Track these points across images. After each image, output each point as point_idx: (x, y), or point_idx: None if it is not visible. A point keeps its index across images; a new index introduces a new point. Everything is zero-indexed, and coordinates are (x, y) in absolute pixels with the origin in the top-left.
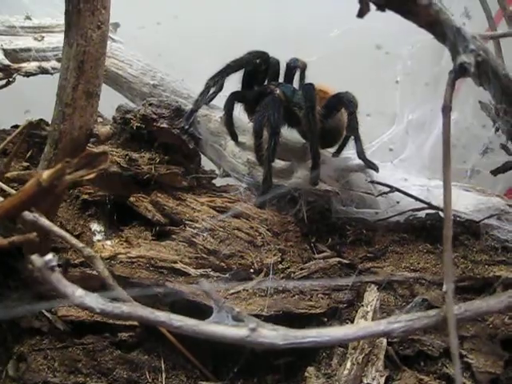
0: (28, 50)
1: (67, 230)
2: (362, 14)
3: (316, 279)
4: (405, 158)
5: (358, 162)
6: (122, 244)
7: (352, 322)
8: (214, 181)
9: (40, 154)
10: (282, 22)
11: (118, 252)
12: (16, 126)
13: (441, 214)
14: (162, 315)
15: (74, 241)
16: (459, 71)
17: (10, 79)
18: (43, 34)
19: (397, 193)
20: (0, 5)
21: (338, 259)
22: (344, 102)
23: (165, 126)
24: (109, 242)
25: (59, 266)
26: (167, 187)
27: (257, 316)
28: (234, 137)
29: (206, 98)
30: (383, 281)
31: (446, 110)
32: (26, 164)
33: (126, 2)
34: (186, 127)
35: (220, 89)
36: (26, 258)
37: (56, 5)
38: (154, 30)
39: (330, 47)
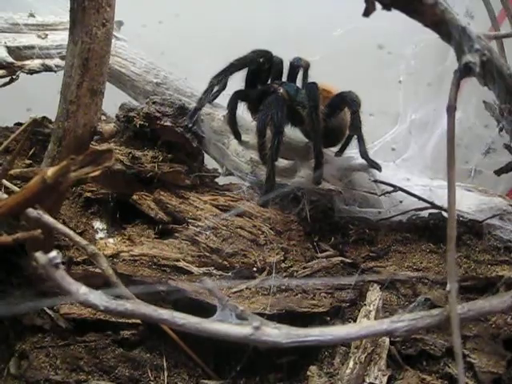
0: (31, 47)
1: (70, 228)
2: (367, 13)
3: (319, 278)
4: (407, 158)
5: (361, 161)
6: (124, 242)
7: (354, 321)
8: (216, 179)
9: (43, 152)
10: (285, 21)
11: (121, 250)
12: (19, 124)
13: (444, 213)
14: (165, 313)
15: (78, 238)
16: (464, 71)
17: (14, 76)
18: (47, 32)
19: (400, 192)
20: (4, 2)
21: (340, 258)
22: (347, 101)
23: (168, 124)
24: (111, 240)
25: (62, 263)
26: (170, 185)
27: (260, 315)
28: (238, 135)
29: (209, 96)
30: (386, 280)
31: (451, 109)
32: (28, 161)
33: (128, 0)
34: (190, 125)
35: (223, 87)
36: (29, 255)
37: (60, 2)
38: (156, 28)
39: (333, 47)
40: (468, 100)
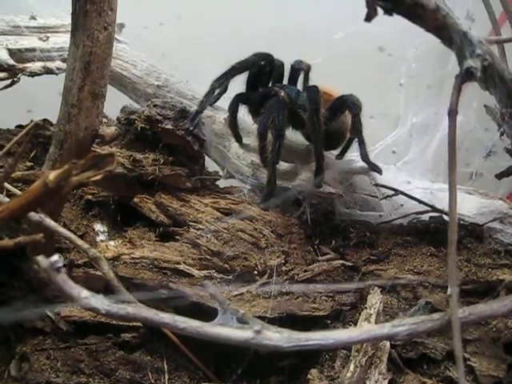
0: (33, 50)
1: (71, 231)
2: (369, 18)
3: (319, 281)
4: (408, 161)
5: (362, 164)
6: (125, 245)
7: (355, 324)
8: (217, 182)
9: (44, 154)
10: (286, 24)
11: (122, 253)
12: (20, 126)
13: (444, 217)
14: (166, 317)
15: (80, 242)
16: (466, 76)
17: (15, 79)
18: (48, 34)
19: (400, 196)
20: (5, 5)
21: (341, 261)
22: (348, 104)
23: (169, 127)
24: (112, 243)
25: (63, 266)
26: (171, 188)
27: (260, 318)
28: (239, 138)
29: (210, 99)
30: (387, 283)
31: (453, 113)
32: (29, 164)
33: (129, 2)
34: (191, 128)
35: (225, 90)
36: (31, 259)
37: (61, 5)
38: (157, 30)
39: (334, 49)
40: (469, 103)
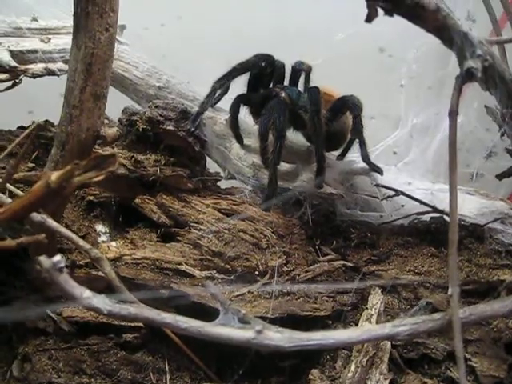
0: (34, 51)
1: (72, 231)
2: (370, 18)
3: (320, 282)
4: (409, 162)
5: (363, 165)
6: (127, 245)
7: (356, 324)
8: (219, 183)
9: (46, 155)
10: (286, 25)
11: (123, 253)
12: (22, 127)
13: (445, 217)
14: (168, 317)
15: (81, 242)
16: (466, 76)
17: (17, 80)
18: (50, 36)
19: (401, 196)
20: (7, 6)
21: (342, 262)
22: (349, 105)
23: (171, 128)
24: (114, 244)
25: (66, 266)
26: (172, 189)
27: (262, 318)
28: (240, 139)
29: (211, 100)
30: (387, 284)
31: (453, 114)
32: (31, 165)
33: (129, 3)
34: (192, 129)
35: (226, 91)
36: (33, 259)
37: (63, 7)
38: (158, 31)
39: (334, 50)
40: (469, 104)
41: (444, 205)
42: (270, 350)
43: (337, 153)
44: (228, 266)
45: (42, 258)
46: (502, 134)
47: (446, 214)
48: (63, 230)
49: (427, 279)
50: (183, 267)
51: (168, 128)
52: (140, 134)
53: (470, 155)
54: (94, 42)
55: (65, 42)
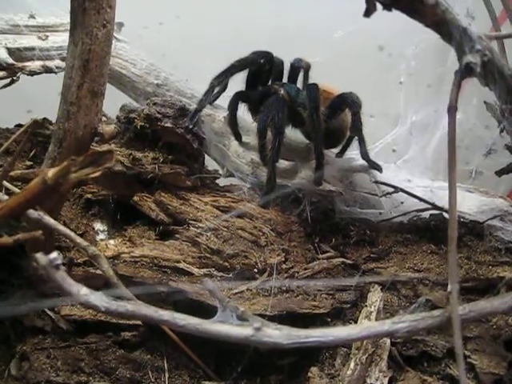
0: (32, 48)
1: (70, 229)
2: (368, 13)
3: (320, 279)
4: (408, 159)
5: (362, 162)
6: (125, 243)
7: (355, 322)
8: (217, 181)
9: (43, 153)
10: (285, 23)
11: (122, 251)
12: (19, 125)
13: (445, 214)
14: (165, 314)
15: (79, 239)
16: (465, 71)
17: (14, 78)
18: (47, 33)
19: (401, 193)
20: (4, 3)
21: (341, 259)
22: (348, 102)
23: (169, 125)
24: (112, 242)
25: (63, 264)
26: (171, 187)
27: (260, 316)
28: (238, 137)
29: (210, 97)
30: (387, 281)
31: (452, 110)
32: (29, 163)
33: (128, 2)
34: (190, 127)
35: (224, 88)
36: (30, 257)
37: (60, 4)
38: (156, 30)
39: (333, 48)
40: (469, 101)
41: (443, 202)
42: (269, 347)
43: (336, 150)
44: (226, 264)
45: (39, 255)
46: (502, 130)
47: (446, 211)
48: (60, 227)
49: (427, 276)
50: (181, 265)
51: (166, 125)
52: (138, 132)
53: (470, 153)
54: (92, 38)
55: (62, 39)
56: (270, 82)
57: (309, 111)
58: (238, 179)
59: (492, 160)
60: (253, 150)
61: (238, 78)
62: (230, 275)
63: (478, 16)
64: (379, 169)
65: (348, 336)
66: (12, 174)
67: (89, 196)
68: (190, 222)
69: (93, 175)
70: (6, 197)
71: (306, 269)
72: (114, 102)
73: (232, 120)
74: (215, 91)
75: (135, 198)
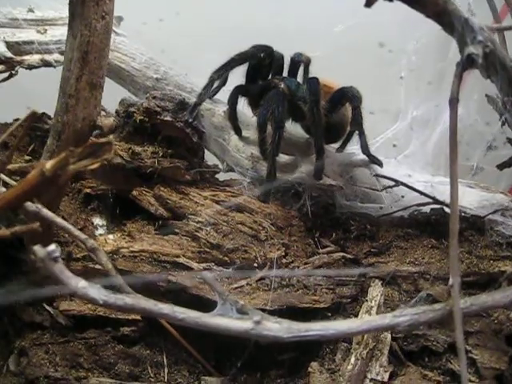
0: (31, 42)
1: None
2: (369, 3)
3: (320, 274)
4: (409, 154)
5: (362, 157)
6: (124, 238)
7: (356, 316)
8: (217, 175)
9: (42, 148)
10: (285, 17)
11: (121, 246)
12: (18, 120)
13: (445, 209)
14: (165, 307)
15: (77, 232)
16: (467, 62)
17: (13, 72)
18: (46, 27)
19: (401, 188)
20: None
21: (341, 254)
22: (348, 96)
23: (168, 119)
24: (111, 236)
25: (62, 258)
26: (170, 181)
27: (260, 310)
28: (238, 131)
29: (209, 91)
30: (387, 276)
31: (453, 102)
32: (28, 157)
33: None
34: (190, 120)
35: (224, 83)
36: (28, 249)
37: None
38: (156, 26)
39: (334, 42)
40: (469, 97)
41: (444, 197)
42: (269, 340)
43: (336, 145)
44: (226, 259)
45: (37, 248)
46: (503, 123)
47: (447, 205)
48: (59, 220)
49: (427, 271)
50: (181, 260)
51: (166, 119)
52: (137, 126)
53: (470, 148)
54: (90, 30)
55: (61, 33)
56: (270, 76)
57: (309, 105)
58: (238, 174)
59: (493, 156)
60: (253, 145)
61: (238, 71)
62: (230, 270)
63: (479, 12)
64: (380, 163)
65: (348, 329)
66: (10, 167)
67: (88, 191)
68: (190, 216)
69: (91, 167)
70: (3, 189)
71: (306, 263)
72: (113, 96)
73: (232, 114)
74: (215, 85)
75: (134, 193)
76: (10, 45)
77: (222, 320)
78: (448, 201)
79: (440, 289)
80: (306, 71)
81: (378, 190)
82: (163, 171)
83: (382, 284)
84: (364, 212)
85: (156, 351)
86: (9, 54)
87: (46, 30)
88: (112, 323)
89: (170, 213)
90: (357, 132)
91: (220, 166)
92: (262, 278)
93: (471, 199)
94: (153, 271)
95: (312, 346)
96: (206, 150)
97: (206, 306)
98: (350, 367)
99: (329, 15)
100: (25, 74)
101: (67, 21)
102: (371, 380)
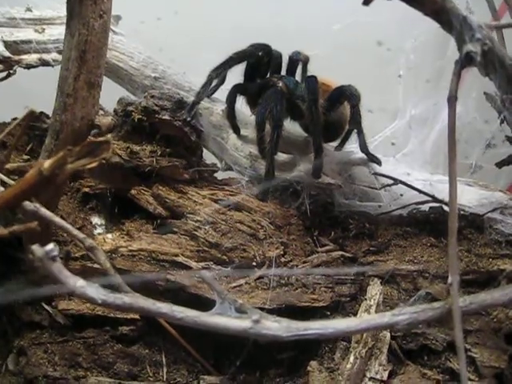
0: (29, 41)
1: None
2: (367, 2)
3: (319, 273)
4: (407, 153)
5: (361, 155)
6: (123, 237)
7: (355, 315)
8: (215, 174)
9: (40, 147)
10: (283, 16)
11: (119, 245)
12: (16, 119)
13: (444, 207)
14: (163, 306)
15: (75, 231)
16: (465, 60)
17: (11, 71)
18: (44, 26)
19: (400, 186)
20: None
21: (340, 253)
22: (347, 94)
23: (166, 117)
24: (110, 236)
25: (60, 258)
26: (169, 180)
27: (259, 309)
28: (236, 130)
29: (208, 90)
30: (386, 274)
31: (452, 100)
32: (26, 157)
33: None
34: (188, 119)
35: (222, 81)
36: (27, 249)
37: None
38: (154, 25)
39: (332, 41)
40: (468, 95)
41: (443, 195)
42: (268, 339)
43: (335, 143)
44: (225, 257)
45: (35, 247)
46: (502, 121)
47: (446, 204)
48: (57, 219)
49: (426, 269)
50: (180, 259)
51: (164, 118)
52: (135, 125)
53: (469, 146)
54: (88, 29)
55: (59, 32)
56: (268, 75)
57: (307, 104)
58: (237, 172)
59: (491, 154)
60: (251, 143)
61: (236, 70)
62: (229, 269)
63: (477, 10)
64: (378, 162)
65: (347, 328)
66: (8, 166)
67: (86, 190)
68: (188, 215)
69: (89, 166)
70: (1, 188)
71: (304, 262)
72: (111, 95)
73: (230, 113)
74: (213, 84)
75: (133, 192)
76: (8, 44)
77: (221, 319)
78: (447, 199)
79: (439, 287)
80: (305, 70)
81: (376, 189)
82: (161, 170)
83: (380, 282)
84: (363, 210)
85: (155, 350)
86: (7, 54)
87: (44, 29)
88: (111, 322)
89: (169, 212)
90: (355, 130)
91: (218, 165)
92: (260, 277)
93: (470, 197)
94: (151, 270)
95: (311, 344)
96: (204, 149)
97: (205, 305)
98: (349, 366)
99: (327, 14)
100: (23, 73)
101: (65, 20)
102: (370, 379)
